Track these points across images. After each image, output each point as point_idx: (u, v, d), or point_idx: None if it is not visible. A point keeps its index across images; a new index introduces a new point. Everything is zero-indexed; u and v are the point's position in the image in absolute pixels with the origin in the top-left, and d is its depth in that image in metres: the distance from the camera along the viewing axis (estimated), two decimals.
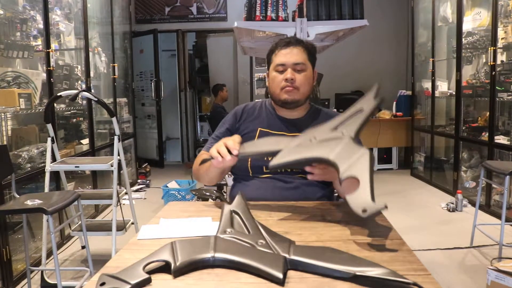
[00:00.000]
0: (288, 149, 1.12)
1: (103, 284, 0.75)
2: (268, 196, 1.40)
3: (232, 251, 0.83)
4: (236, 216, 0.99)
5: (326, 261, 0.78)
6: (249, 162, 1.54)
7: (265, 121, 1.62)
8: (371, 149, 1.01)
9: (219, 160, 1.25)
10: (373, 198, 0.86)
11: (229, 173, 1.68)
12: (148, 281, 0.77)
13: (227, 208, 1.03)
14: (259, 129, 1.60)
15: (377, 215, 0.84)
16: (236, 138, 1.31)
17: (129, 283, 0.75)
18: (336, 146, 1.04)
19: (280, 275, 0.75)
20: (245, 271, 0.79)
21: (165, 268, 0.81)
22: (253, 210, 1.19)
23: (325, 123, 1.23)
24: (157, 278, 0.78)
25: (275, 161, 1.10)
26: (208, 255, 0.82)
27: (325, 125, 1.19)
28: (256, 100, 1.92)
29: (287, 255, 0.82)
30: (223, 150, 1.25)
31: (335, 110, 5.54)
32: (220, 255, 0.82)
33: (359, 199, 0.87)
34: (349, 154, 0.99)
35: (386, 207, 0.83)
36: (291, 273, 0.79)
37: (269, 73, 1.63)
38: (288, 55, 1.55)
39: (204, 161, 1.38)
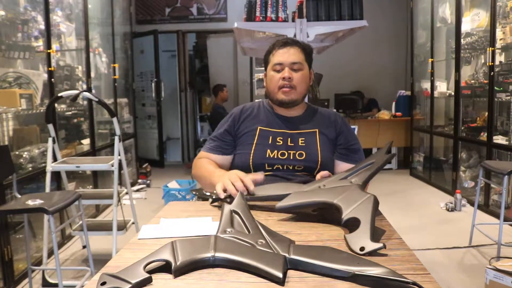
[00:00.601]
0: (296, 193, 1.15)
1: (103, 283, 0.75)
2: None
3: (232, 250, 0.83)
4: (236, 216, 1.00)
5: (325, 261, 0.79)
6: (250, 160, 1.54)
7: (264, 120, 1.63)
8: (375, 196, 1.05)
9: (233, 193, 1.21)
10: (372, 238, 0.87)
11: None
12: (148, 280, 0.77)
13: (227, 208, 1.03)
14: (259, 127, 1.61)
15: (374, 253, 0.85)
16: (258, 175, 1.28)
17: (130, 283, 0.75)
18: (343, 192, 1.07)
19: (280, 275, 0.75)
20: (245, 270, 0.79)
21: (165, 268, 0.81)
22: (253, 210, 1.19)
23: (336, 174, 1.25)
24: (157, 278, 0.78)
25: (282, 203, 1.13)
26: (208, 254, 0.82)
27: (336, 176, 1.23)
28: (254, 101, 1.93)
29: (287, 255, 0.82)
30: (240, 185, 1.22)
31: (334, 110, 5.55)
32: (220, 254, 0.82)
33: (358, 238, 0.88)
34: (354, 199, 1.02)
35: (384, 246, 0.84)
36: (291, 272, 0.79)
37: (266, 73, 1.65)
38: (286, 55, 1.58)
39: (214, 200, 1.30)
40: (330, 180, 1.20)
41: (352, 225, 0.95)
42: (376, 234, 0.94)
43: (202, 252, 0.82)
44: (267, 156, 1.54)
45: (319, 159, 1.55)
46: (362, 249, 0.85)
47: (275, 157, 1.54)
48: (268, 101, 1.70)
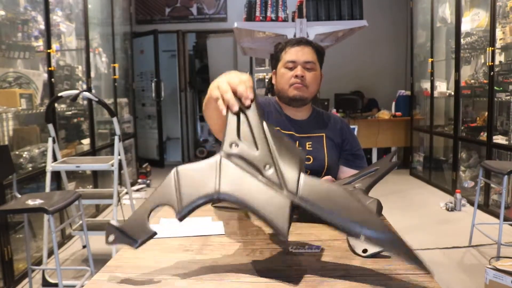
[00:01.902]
0: None
1: (112, 241, 0.77)
2: None
3: (237, 185, 0.79)
4: (245, 121, 0.88)
5: (335, 209, 0.77)
6: None
7: (274, 120, 1.59)
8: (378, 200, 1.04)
9: (223, 112, 0.92)
10: None
11: None
12: (154, 235, 0.77)
13: (236, 108, 0.89)
14: None
15: (376, 255, 0.85)
16: (248, 80, 0.93)
17: (136, 241, 0.76)
18: None
19: (285, 232, 0.74)
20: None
21: (166, 268, 0.81)
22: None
23: (340, 180, 1.24)
24: (157, 278, 0.78)
25: None
26: (212, 191, 0.78)
27: (340, 181, 1.22)
28: (265, 96, 1.90)
29: (295, 196, 0.78)
30: (229, 97, 0.89)
31: (334, 110, 5.55)
32: (224, 191, 0.79)
33: (361, 241, 0.88)
34: None
35: None
36: (291, 272, 0.79)
37: (276, 71, 1.61)
38: (299, 53, 1.55)
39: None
40: None
41: None
42: None
43: (206, 189, 0.79)
44: None
45: (326, 164, 1.54)
46: (365, 251, 0.85)
47: None
48: (275, 99, 1.66)
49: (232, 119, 0.87)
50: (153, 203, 0.79)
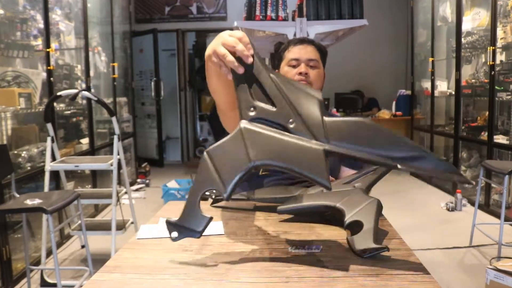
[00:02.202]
0: (298, 196, 1.14)
1: (176, 237, 0.83)
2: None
3: (269, 148, 0.80)
4: (252, 79, 0.87)
5: (365, 143, 0.80)
6: None
7: None
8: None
9: (228, 76, 0.88)
10: (375, 241, 0.87)
11: None
12: (211, 220, 0.82)
13: (241, 70, 0.86)
14: None
15: (376, 255, 0.85)
16: (243, 37, 0.87)
17: (197, 231, 0.82)
18: (346, 195, 1.06)
19: (329, 185, 0.77)
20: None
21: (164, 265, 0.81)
22: (253, 212, 1.19)
23: (340, 179, 1.24)
24: (156, 278, 0.78)
25: (284, 206, 1.11)
26: (247, 164, 0.80)
27: (339, 180, 1.22)
28: None
29: (325, 143, 0.80)
30: (230, 59, 0.85)
31: (334, 109, 5.55)
32: (259, 159, 0.80)
33: (361, 240, 0.88)
34: (357, 203, 1.01)
35: (387, 249, 0.83)
36: (291, 272, 0.79)
37: (279, 70, 1.61)
38: (303, 51, 1.55)
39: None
40: (333, 185, 1.19)
41: (354, 227, 0.95)
42: (378, 235, 0.94)
43: (240, 163, 0.80)
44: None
45: None
46: (365, 251, 0.85)
47: None
48: None
49: (240, 82, 0.86)
50: (199, 190, 0.82)
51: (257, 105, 0.84)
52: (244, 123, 0.83)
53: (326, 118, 0.83)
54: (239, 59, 0.85)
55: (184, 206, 0.83)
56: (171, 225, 0.84)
